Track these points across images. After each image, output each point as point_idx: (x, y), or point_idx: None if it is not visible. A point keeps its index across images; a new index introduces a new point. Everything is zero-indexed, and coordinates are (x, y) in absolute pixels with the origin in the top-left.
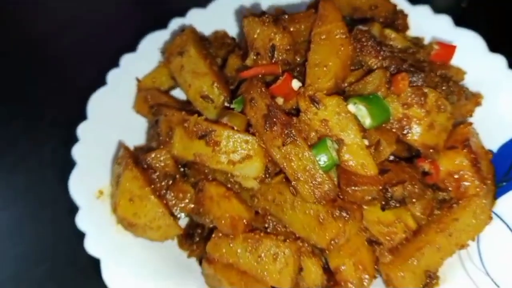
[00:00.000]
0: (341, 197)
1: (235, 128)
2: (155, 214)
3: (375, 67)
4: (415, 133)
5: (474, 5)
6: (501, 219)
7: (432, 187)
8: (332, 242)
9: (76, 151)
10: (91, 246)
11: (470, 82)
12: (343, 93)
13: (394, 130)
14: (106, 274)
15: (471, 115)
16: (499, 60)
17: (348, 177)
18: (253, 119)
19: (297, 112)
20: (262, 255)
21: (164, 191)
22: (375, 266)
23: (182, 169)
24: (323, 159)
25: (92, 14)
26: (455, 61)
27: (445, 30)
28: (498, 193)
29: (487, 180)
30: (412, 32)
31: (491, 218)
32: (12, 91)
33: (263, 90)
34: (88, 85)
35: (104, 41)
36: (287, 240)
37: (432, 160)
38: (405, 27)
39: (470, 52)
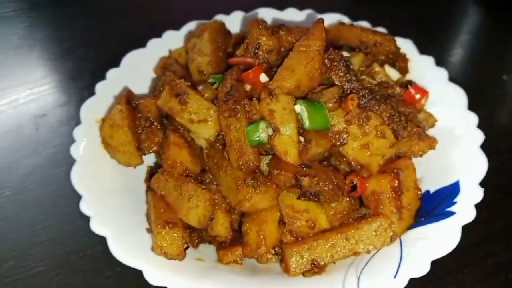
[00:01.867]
0: (269, 177)
1: (205, 96)
2: (124, 140)
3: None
4: (349, 147)
5: None
6: (401, 246)
7: (361, 203)
8: (240, 203)
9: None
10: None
11: (441, 128)
12: (304, 98)
13: (332, 139)
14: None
15: (421, 155)
16: (472, 119)
17: (277, 162)
18: (219, 93)
19: (257, 100)
20: (183, 193)
21: (141, 130)
22: (277, 244)
23: (163, 120)
24: (253, 136)
25: None
26: (435, 108)
27: (439, 81)
28: (414, 225)
29: (402, 208)
30: (410, 75)
31: (391, 240)
32: None
33: (234, 74)
34: None
35: None
36: (206, 191)
37: (361, 177)
38: (405, 70)
39: (450, 104)
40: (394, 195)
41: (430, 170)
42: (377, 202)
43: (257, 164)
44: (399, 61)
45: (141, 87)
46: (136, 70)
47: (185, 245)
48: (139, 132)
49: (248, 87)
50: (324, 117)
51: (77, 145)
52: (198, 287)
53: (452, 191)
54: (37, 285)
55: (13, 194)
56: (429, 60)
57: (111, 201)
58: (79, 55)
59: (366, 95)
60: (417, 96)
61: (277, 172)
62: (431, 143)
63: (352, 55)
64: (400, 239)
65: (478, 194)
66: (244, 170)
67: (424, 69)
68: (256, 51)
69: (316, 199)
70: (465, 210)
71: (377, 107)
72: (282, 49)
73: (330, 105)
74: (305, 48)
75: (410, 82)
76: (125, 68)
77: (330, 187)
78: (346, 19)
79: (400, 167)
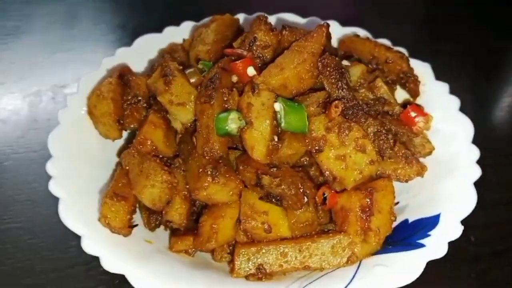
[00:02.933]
0: (236, 172)
1: (191, 81)
2: (105, 111)
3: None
4: (324, 156)
5: None
6: (356, 270)
7: (331, 219)
8: (196, 191)
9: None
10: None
11: (438, 157)
12: (291, 99)
13: (308, 144)
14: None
15: (406, 181)
16: (474, 154)
17: (246, 157)
18: (204, 79)
19: (241, 92)
20: (143, 171)
21: (127, 105)
22: (232, 243)
23: (151, 100)
24: (222, 124)
25: None
26: (437, 137)
27: (448, 109)
28: (379, 251)
29: (369, 231)
30: (420, 99)
31: (349, 262)
32: None
33: (222, 63)
34: None
35: None
36: (166, 173)
37: (334, 190)
38: (415, 92)
39: (454, 135)
40: (362, 215)
41: (416, 200)
42: (344, 219)
43: (221, 154)
44: (410, 82)
45: (143, 68)
46: (145, 52)
47: (134, 223)
48: (125, 107)
49: (235, 79)
50: (301, 120)
51: (65, 111)
52: (133, 266)
53: (430, 223)
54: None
55: None
56: (443, 87)
57: (79, 168)
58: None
59: (354, 106)
60: (417, 119)
61: (242, 167)
62: (419, 169)
63: (352, 65)
64: (360, 263)
65: (455, 232)
66: (207, 157)
67: (436, 95)
68: (251, 44)
69: (279, 203)
70: (436, 245)
71: (363, 120)
72: (282, 48)
73: (313, 109)
74: (300, 49)
75: (410, 102)
76: (136, 48)
77: (293, 192)
78: (367, 34)
79: (377, 186)
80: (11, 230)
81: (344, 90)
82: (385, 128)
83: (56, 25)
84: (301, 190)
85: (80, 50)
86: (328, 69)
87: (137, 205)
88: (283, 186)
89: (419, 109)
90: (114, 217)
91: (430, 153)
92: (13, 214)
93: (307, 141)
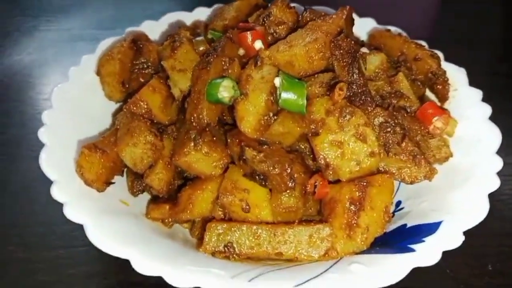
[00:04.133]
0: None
1: (196, 50)
2: (111, 71)
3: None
4: (320, 139)
5: None
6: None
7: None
8: (176, 156)
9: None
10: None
11: (455, 165)
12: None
13: (306, 127)
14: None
15: (411, 182)
16: (496, 165)
17: (237, 131)
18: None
19: (244, 64)
20: (130, 129)
21: (136, 70)
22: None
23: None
24: (213, 91)
25: None
26: (460, 144)
27: (477, 116)
28: (365, 251)
29: (357, 227)
30: (449, 104)
31: (327, 255)
32: None
33: (230, 33)
34: None
35: None
36: (151, 134)
37: (326, 179)
38: (443, 96)
39: (478, 143)
40: (350, 208)
41: (421, 206)
42: (331, 210)
43: (209, 121)
44: (438, 84)
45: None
46: (170, 27)
47: (111, 181)
48: (133, 71)
49: (242, 52)
50: (299, 98)
51: (76, 69)
52: (93, 218)
53: (428, 230)
54: None
55: None
56: (476, 94)
57: (75, 123)
58: None
59: (362, 93)
60: (434, 117)
61: (230, 140)
62: (428, 172)
63: (372, 53)
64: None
65: (454, 241)
66: (194, 124)
67: (466, 101)
68: (265, 20)
69: (263, 183)
70: (427, 251)
71: (370, 108)
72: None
73: (316, 89)
74: (314, 27)
75: (428, 100)
76: (162, 22)
77: (277, 171)
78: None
79: (373, 181)
80: None
81: (354, 75)
82: (395, 121)
83: None
84: (287, 172)
85: None
86: (341, 51)
87: (125, 169)
88: (267, 163)
89: (438, 107)
90: (89, 168)
91: (446, 158)
92: None
93: (306, 123)
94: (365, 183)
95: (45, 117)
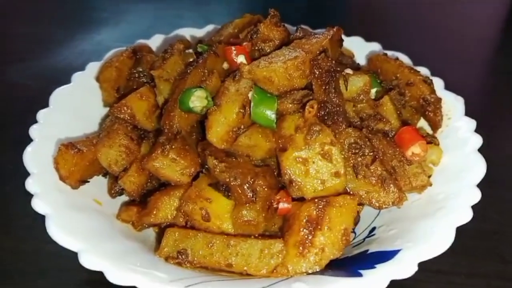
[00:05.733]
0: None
1: (183, 62)
2: (107, 78)
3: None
4: (286, 155)
5: None
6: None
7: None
8: (145, 159)
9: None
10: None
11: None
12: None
13: (274, 141)
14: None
15: (379, 208)
16: (472, 198)
17: (208, 141)
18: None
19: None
20: (110, 132)
21: (133, 78)
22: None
23: None
24: (184, 99)
25: None
26: (442, 175)
27: (466, 147)
28: (318, 272)
29: (311, 247)
30: (441, 134)
31: (275, 272)
32: None
33: (213, 50)
34: None
35: None
36: (127, 138)
37: (290, 196)
38: (435, 124)
39: (459, 174)
40: (306, 226)
41: (390, 233)
42: (288, 227)
43: (180, 129)
44: (430, 112)
45: None
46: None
47: (85, 180)
48: (130, 79)
49: (226, 66)
50: (269, 112)
51: (80, 74)
52: (57, 210)
53: (385, 257)
54: None
55: None
56: (469, 124)
57: (67, 122)
58: None
59: (336, 112)
60: (411, 143)
61: (200, 149)
62: (397, 198)
63: (355, 74)
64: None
65: (405, 271)
66: (166, 130)
67: (458, 131)
68: (252, 36)
69: (226, 193)
70: (373, 278)
71: (341, 128)
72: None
73: (289, 105)
74: (297, 45)
75: (407, 123)
76: (172, 36)
77: (238, 183)
78: (405, 58)
79: (333, 201)
80: None
81: (331, 94)
82: (366, 143)
83: None
84: (248, 184)
85: None
86: (320, 70)
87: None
88: (228, 174)
89: (417, 133)
90: (63, 164)
91: (423, 187)
92: None
93: (276, 139)
94: (324, 202)
95: (40, 115)
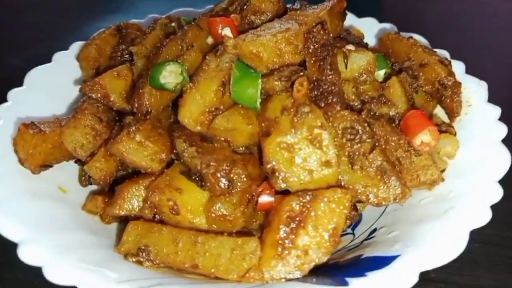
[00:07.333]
0: None
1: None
2: (86, 56)
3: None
4: (269, 141)
5: None
6: None
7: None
8: (110, 142)
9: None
10: None
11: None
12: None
13: (257, 124)
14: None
15: (377, 205)
16: (492, 196)
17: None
18: None
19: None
20: (77, 111)
21: (113, 56)
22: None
23: None
24: (155, 75)
25: None
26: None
27: (489, 138)
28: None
29: (292, 248)
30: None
31: (246, 277)
32: None
33: (195, 22)
34: None
35: None
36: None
37: (272, 188)
38: (452, 111)
39: (479, 171)
40: (288, 223)
41: (389, 236)
42: (267, 224)
43: (150, 109)
44: (447, 97)
45: None
46: None
47: (48, 164)
48: (114, 56)
49: (210, 40)
50: (251, 92)
51: (63, 53)
52: (6, 198)
53: (380, 263)
54: None
55: None
56: (493, 112)
57: (40, 99)
58: None
59: (331, 92)
60: (419, 130)
61: (173, 132)
62: (400, 194)
63: (358, 50)
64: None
65: (402, 282)
66: (134, 109)
67: (480, 119)
68: (242, 8)
69: (200, 183)
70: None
71: (335, 110)
72: None
73: (277, 83)
74: (290, 17)
75: (417, 108)
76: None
77: (211, 171)
78: (422, 39)
79: (321, 195)
80: None
81: (326, 71)
82: (364, 128)
83: None
84: (223, 172)
85: None
86: (315, 44)
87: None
88: (200, 159)
89: (426, 118)
90: (22, 146)
91: (434, 182)
92: None
93: (259, 121)
94: (310, 196)
95: (10, 94)
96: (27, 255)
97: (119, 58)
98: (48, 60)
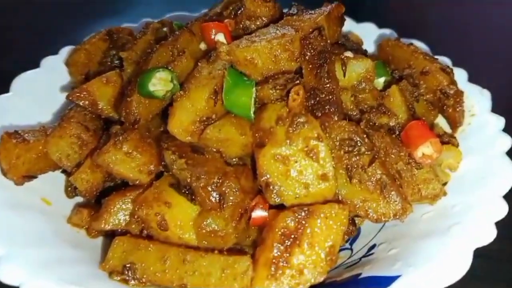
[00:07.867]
0: None
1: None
2: (75, 61)
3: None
4: (263, 152)
5: None
6: None
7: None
8: (96, 153)
9: None
10: None
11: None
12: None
13: (251, 135)
14: None
15: (376, 221)
16: (497, 212)
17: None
18: None
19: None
20: (63, 120)
21: (103, 61)
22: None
23: None
24: (143, 82)
25: None
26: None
27: (492, 150)
28: None
29: (286, 267)
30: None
31: None
32: None
33: (187, 27)
34: None
35: None
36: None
37: (266, 203)
38: (454, 120)
39: (485, 185)
40: (282, 241)
41: (388, 254)
42: (261, 242)
43: (138, 117)
44: (448, 106)
45: None
46: None
47: (32, 175)
48: (104, 62)
49: (203, 46)
50: (245, 100)
51: (52, 58)
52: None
53: (379, 284)
54: None
55: None
56: (497, 122)
57: (28, 104)
58: None
59: (328, 101)
60: (420, 142)
61: (163, 143)
62: (399, 210)
63: (356, 57)
64: None
65: None
66: (122, 118)
67: (483, 130)
68: (236, 13)
69: (190, 197)
70: None
71: (332, 120)
72: None
73: (271, 91)
74: (287, 22)
75: (418, 118)
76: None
77: (201, 184)
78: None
79: (317, 211)
80: None
81: (323, 79)
82: (363, 139)
83: None
84: (214, 186)
85: None
86: (311, 51)
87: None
88: (190, 172)
89: (428, 130)
90: (4, 155)
91: (436, 196)
92: None
93: (253, 130)
94: (306, 212)
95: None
96: (4, 273)
97: (109, 63)
98: (37, 64)
